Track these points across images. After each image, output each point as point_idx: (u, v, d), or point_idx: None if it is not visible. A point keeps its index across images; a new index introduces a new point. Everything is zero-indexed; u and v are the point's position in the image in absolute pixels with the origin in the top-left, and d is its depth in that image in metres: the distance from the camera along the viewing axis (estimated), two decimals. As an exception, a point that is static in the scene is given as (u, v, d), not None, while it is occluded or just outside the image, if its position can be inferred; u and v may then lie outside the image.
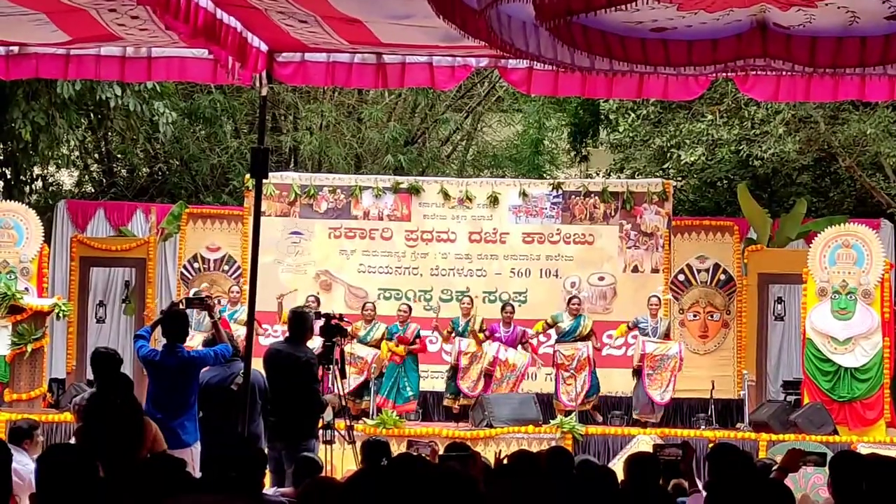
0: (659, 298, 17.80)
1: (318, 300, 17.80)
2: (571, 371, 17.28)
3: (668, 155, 21.89)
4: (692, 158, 21.25)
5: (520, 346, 17.52)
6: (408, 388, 17.37)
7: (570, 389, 17.28)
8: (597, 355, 17.60)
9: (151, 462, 5.44)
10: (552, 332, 17.78)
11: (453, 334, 17.59)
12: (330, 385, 11.67)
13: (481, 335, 17.43)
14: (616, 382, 18.29)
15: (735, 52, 7.96)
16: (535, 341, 17.93)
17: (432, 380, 18.69)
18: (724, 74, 9.67)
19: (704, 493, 5.53)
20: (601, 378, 17.73)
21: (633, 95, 10.84)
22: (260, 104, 10.76)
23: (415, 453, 8.38)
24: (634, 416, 17.27)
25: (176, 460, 5.31)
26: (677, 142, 21.53)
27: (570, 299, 17.95)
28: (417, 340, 17.59)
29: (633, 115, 22.22)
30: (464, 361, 17.35)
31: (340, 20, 8.72)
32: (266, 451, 10.47)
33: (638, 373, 17.36)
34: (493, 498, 5.08)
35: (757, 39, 7.80)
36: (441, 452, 7.67)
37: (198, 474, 9.56)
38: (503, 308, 17.80)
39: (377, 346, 17.49)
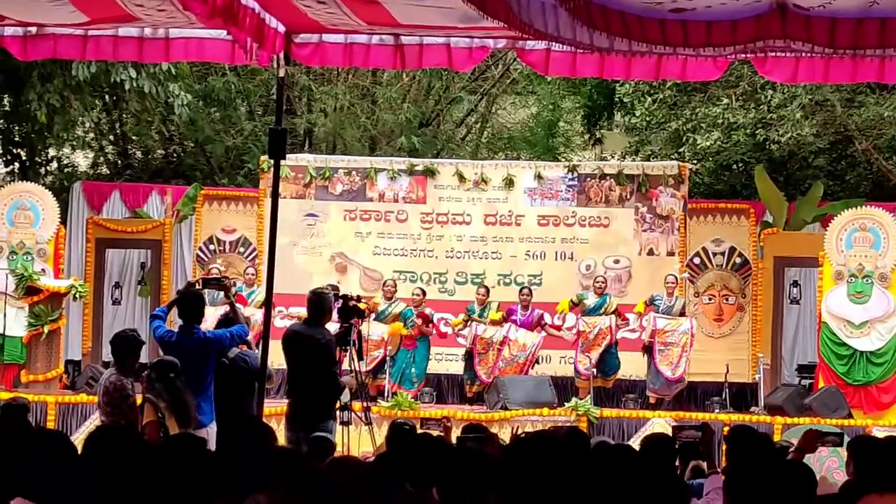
0: (676, 277, 17.83)
1: (337, 288, 17.80)
2: (589, 341, 17.32)
3: (685, 139, 21.84)
4: (708, 143, 21.20)
5: (536, 330, 17.53)
6: (413, 376, 17.39)
7: (585, 360, 17.29)
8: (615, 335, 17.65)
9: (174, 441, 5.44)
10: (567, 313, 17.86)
11: (469, 321, 17.59)
12: (347, 366, 11.69)
13: (498, 315, 17.46)
14: (630, 366, 18.25)
15: (754, 33, 7.94)
16: (558, 320, 17.93)
17: (447, 362, 18.70)
18: (743, 55, 9.64)
19: (723, 477, 5.52)
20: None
21: (651, 76, 10.83)
22: (277, 85, 10.76)
23: (431, 432, 8.40)
24: (647, 393, 17.31)
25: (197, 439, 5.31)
26: (693, 125, 21.47)
27: (595, 278, 18.02)
28: (431, 325, 17.58)
29: (649, 99, 22.17)
30: (479, 347, 17.35)
31: (358, 1, 8.71)
32: (283, 432, 10.52)
33: (649, 349, 17.38)
34: (509, 476, 5.09)
35: (776, 20, 7.78)
36: (458, 434, 7.66)
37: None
38: (520, 291, 17.83)
39: (394, 321, 17.50)
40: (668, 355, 17.18)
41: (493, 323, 17.44)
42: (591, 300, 17.70)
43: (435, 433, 8.29)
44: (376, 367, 17.26)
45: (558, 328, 17.99)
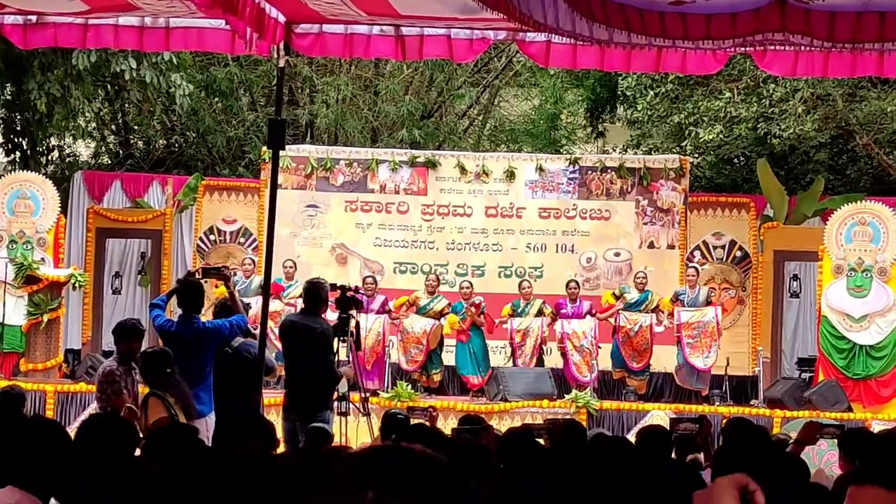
0: (697, 269, 17.81)
1: (375, 280, 17.85)
2: (630, 337, 17.26)
3: (686, 132, 21.83)
4: (710, 136, 21.20)
5: (588, 317, 17.48)
6: (479, 365, 17.38)
7: (631, 353, 17.25)
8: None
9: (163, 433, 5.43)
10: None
11: (513, 316, 17.58)
12: (345, 357, 11.68)
13: (548, 311, 17.43)
14: (661, 360, 18.13)
15: (754, 27, 7.95)
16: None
17: (447, 354, 18.72)
18: (743, 49, 9.64)
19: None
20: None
21: (651, 69, 10.82)
22: (277, 75, 10.78)
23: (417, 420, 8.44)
24: (679, 385, 17.31)
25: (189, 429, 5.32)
26: (695, 119, 21.47)
27: (636, 274, 18.01)
28: (483, 315, 17.53)
29: (651, 92, 22.17)
30: (517, 339, 17.37)
31: (358, -9, 8.73)
32: (281, 422, 10.52)
33: (678, 343, 17.31)
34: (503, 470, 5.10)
35: (776, 14, 7.78)
36: (455, 425, 7.68)
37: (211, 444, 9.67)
38: (567, 285, 17.70)
39: (436, 318, 17.47)
40: (697, 347, 17.08)
41: (548, 315, 17.45)
42: (633, 294, 17.59)
43: (420, 421, 8.33)
44: (424, 362, 17.26)
45: (606, 314, 17.79)
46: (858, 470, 5.79)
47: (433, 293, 17.68)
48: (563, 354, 17.32)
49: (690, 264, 18.10)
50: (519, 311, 17.55)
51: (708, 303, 17.51)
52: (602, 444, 6.10)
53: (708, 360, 17.12)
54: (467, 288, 17.72)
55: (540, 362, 17.35)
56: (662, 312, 17.58)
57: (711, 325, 17.19)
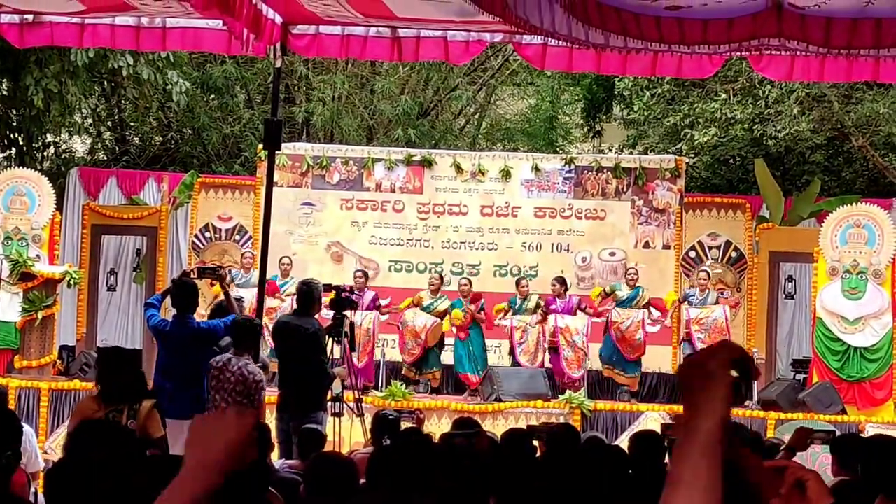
0: (708, 273, 17.78)
1: (366, 275, 17.81)
2: (622, 332, 17.25)
3: (682, 134, 21.85)
4: (706, 139, 21.23)
5: (579, 312, 17.47)
6: (477, 363, 17.36)
7: (626, 347, 17.23)
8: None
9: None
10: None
11: (510, 312, 17.57)
12: (339, 357, 11.69)
13: (540, 305, 17.43)
14: (656, 360, 18.13)
15: (750, 32, 7.97)
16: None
17: (447, 353, 18.74)
18: (739, 53, 9.68)
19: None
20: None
21: (647, 73, 10.86)
22: (274, 76, 10.79)
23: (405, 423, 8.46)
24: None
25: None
26: (691, 121, 21.49)
27: (627, 270, 18.01)
28: (482, 312, 17.51)
29: (647, 93, 22.18)
30: (517, 336, 17.36)
31: (355, -7, 8.73)
32: (274, 422, 10.53)
33: (688, 340, 17.28)
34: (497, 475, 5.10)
35: (772, 19, 7.80)
36: (449, 428, 7.69)
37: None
38: (552, 283, 17.70)
39: (440, 317, 17.44)
40: (708, 342, 17.04)
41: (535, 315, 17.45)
42: (624, 291, 17.57)
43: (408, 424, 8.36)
44: (419, 359, 17.23)
45: (600, 314, 17.78)
46: (864, 479, 5.80)
47: (437, 292, 17.66)
48: (556, 349, 17.29)
49: (702, 268, 18.06)
50: (516, 307, 17.55)
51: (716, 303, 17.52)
52: (596, 450, 6.12)
53: None
54: (466, 285, 17.71)
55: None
56: (654, 309, 17.58)
57: (721, 321, 17.18)
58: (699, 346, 16.96)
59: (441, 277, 17.99)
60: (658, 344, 17.85)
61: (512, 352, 17.53)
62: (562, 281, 17.71)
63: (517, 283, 17.92)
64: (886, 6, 7.60)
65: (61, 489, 3.75)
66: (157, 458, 5.39)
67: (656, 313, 17.66)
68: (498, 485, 4.89)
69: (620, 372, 17.37)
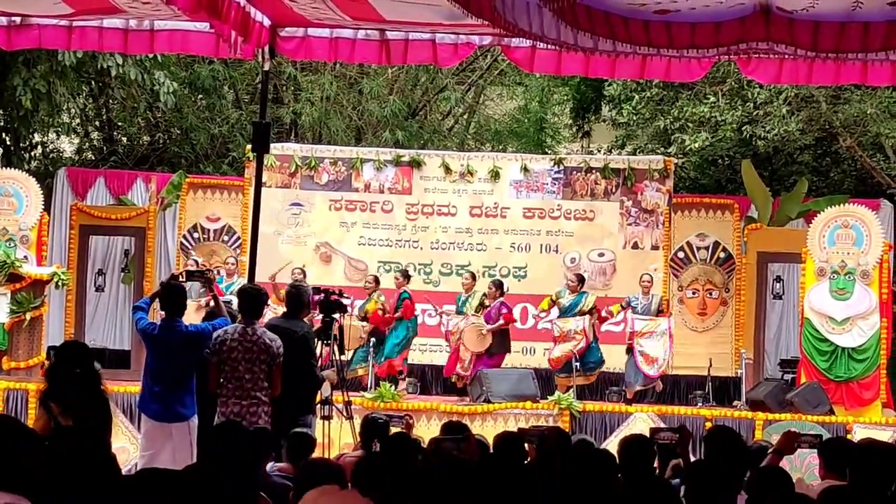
0: (651, 276, 17.83)
1: (304, 272, 17.77)
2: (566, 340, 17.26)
3: (672, 139, 21.88)
4: (696, 144, 21.28)
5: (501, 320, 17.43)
6: (383, 353, 17.38)
7: (559, 352, 17.25)
8: (597, 331, 17.56)
9: None
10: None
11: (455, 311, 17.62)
12: (329, 360, 11.69)
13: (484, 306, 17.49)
14: (614, 359, 18.21)
15: (738, 35, 7.98)
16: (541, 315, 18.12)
17: (431, 353, 18.73)
18: (727, 57, 9.68)
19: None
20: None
21: (636, 76, 10.86)
22: (262, 78, 10.77)
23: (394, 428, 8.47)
24: (624, 390, 17.23)
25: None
26: (680, 125, 21.52)
27: (567, 277, 17.91)
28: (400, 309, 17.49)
29: (636, 96, 22.20)
30: (452, 340, 17.40)
31: (344, -4, 8.73)
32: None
33: (630, 350, 17.36)
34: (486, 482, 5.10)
35: (760, 23, 7.81)
36: (437, 433, 7.69)
37: (195, 448, 9.67)
38: (489, 286, 17.69)
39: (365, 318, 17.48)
40: (647, 355, 17.15)
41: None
42: (567, 299, 17.51)
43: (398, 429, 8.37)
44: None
45: (509, 318, 17.78)
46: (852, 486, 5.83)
47: (469, 290, 17.68)
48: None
49: (645, 272, 18.05)
50: (459, 304, 17.61)
51: (659, 312, 17.48)
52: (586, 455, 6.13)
53: (656, 369, 17.17)
54: (468, 280, 17.78)
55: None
56: (597, 315, 17.53)
57: (664, 337, 17.21)
58: (639, 359, 17.06)
59: (473, 275, 18.10)
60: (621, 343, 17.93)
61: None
62: (498, 284, 17.68)
63: (463, 277, 18.09)
64: (874, 10, 7.60)
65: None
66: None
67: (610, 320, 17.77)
68: (487, 492, 4.90)
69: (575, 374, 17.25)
